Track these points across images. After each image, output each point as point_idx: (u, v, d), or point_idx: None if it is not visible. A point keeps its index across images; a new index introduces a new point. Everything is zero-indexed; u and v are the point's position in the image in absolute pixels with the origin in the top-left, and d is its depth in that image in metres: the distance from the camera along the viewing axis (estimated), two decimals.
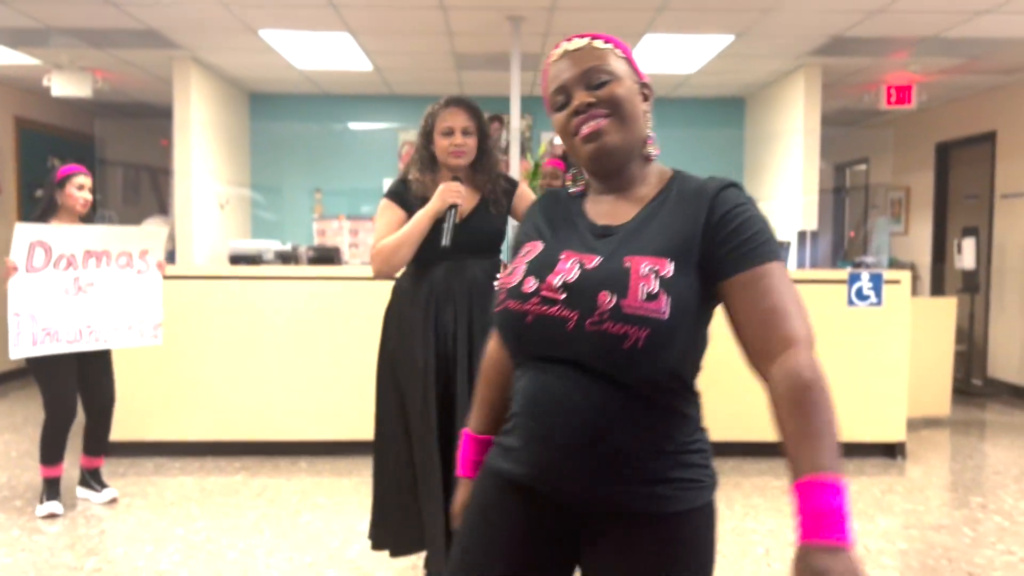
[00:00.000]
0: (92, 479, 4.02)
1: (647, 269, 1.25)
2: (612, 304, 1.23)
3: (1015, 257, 6.84)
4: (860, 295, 4.74)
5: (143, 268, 3.92)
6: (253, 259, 5.15)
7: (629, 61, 1.40)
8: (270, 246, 5.90)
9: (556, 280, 1.29)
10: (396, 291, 2.71)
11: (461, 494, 1.51)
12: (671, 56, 6.10)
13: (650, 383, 1.27)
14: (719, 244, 1.27)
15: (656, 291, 1.23)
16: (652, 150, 1.40)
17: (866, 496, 4.14)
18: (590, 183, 1.45)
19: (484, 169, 2.64)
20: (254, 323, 4.65)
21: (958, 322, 7.53)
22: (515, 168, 5.46)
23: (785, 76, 6.76)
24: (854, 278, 4.74)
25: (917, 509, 3.96)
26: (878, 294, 4.74)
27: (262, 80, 7.21)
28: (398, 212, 2.58)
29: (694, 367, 1.34)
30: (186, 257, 6.30)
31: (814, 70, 6.37)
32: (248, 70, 6.78)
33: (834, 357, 4.71)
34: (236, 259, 5.21)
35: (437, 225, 2.51)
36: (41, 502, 3.82)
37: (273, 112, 7.75)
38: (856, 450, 4.76)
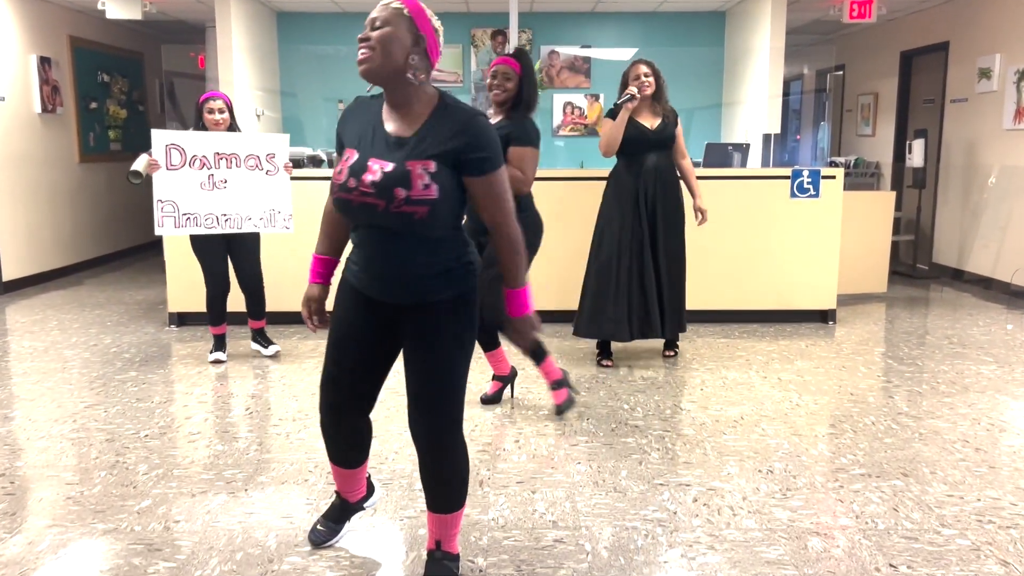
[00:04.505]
0: (259, 336, 5.05)
1: (420, 169, 1.94)
2: (405, 196, 1.94)
3: (958, 155, 7.73)
4: (801, 189, 5.69)
5: (271, 169, 4.66)
6: (296, 163, 6.11)
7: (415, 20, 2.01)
8: (303, 152, 6.87)
9: (368, 179, 1.97)
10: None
11: (309, 292, 2.30)
12: None
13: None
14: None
15: (428, 183, 1.94)
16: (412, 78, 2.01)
17: (793, 348, 5.20)
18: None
19: (661, 100, 4.56)
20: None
21: (908, 214, 8.49)
22: None
23: None
24: (796, 174, 5.68)
25: (829, 356, 5.03)
26: (816, 188, 5.69)
27: (289, 1, 8.00)
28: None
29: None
30: None
31: None
32: None
33: (779, 240, 5.73)
34: None
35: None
36: (211, 352, 4.91)
37: (298, 29, 8.56)
38: (796, 316, 5.81)
